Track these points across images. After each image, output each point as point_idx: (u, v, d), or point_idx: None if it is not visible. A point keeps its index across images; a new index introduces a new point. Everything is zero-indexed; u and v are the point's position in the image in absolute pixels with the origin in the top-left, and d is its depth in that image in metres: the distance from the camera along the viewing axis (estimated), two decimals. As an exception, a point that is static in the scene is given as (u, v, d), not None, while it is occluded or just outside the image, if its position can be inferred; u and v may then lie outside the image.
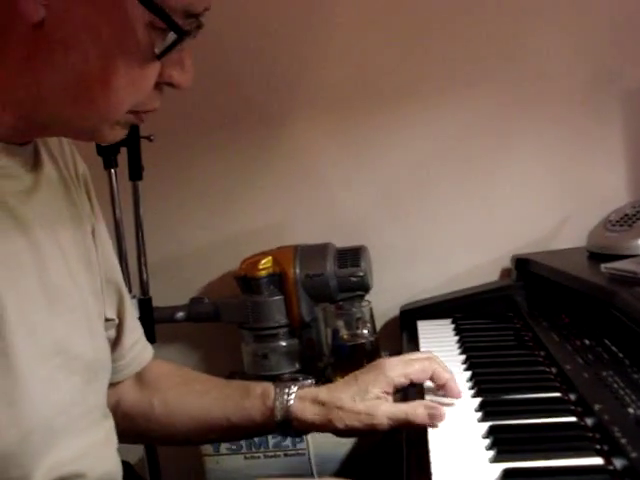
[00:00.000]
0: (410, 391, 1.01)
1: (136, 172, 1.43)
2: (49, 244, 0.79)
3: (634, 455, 0.72)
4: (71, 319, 0.80)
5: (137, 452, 1.55)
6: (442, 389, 0.97)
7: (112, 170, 1.41)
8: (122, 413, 1.00)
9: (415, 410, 0.90)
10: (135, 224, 1.48)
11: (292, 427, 0.95)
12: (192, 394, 1.01)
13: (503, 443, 0.82)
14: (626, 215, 1.44)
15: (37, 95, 0.70)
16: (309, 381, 1.02)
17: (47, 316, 0.76)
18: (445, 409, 0.91)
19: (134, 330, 1.01)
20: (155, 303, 1.52)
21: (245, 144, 1.66)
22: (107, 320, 0.93)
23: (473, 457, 0.80)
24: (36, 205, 0.77)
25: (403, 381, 0.95)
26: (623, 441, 0.76)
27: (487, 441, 0.83)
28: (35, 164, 0.80)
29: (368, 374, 0.96)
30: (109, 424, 0.90)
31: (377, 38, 1.62)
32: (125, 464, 1.02)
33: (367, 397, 0.93)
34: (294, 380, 1.04)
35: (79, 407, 0.80)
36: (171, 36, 0.69)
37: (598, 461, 0.77)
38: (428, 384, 1.00)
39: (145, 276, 1.50)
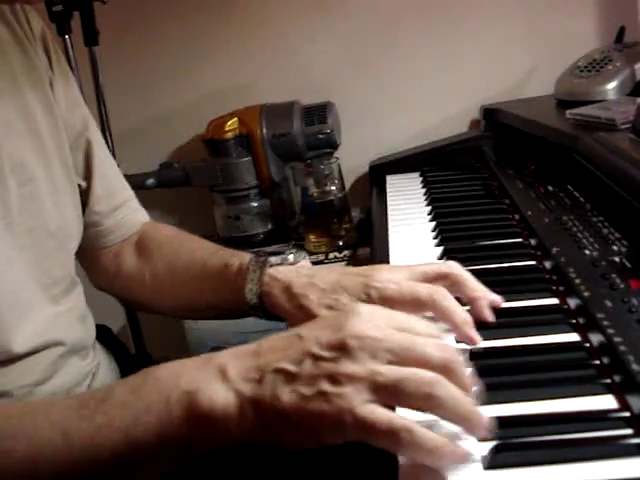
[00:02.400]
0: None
1: (91, 37, 1.38)
2: (5, 114, 0.77)
3: (586, 294, 0.74)
4: (28, 191, 0.79)
5: (119, 316, 1.59)
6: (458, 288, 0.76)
7: (66, 36, 1.36)
8: (120, 283, 0.97)
9: None
10: (95, 92, 1.44)
11: (265, 309, 0.83)
12: (177, 272, 0.93)
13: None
14: (594, 60, 1.42)
15: None
16: (291, 257, 0.86)
17: None
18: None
19: (115, 194, 0.96)
20: (123, 171, 1.50)
21: (207, 3, 1.61)
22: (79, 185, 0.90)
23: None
24: None
25: (393, 289, 0.74)
26: (577, 281, 0.78)
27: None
28: None
29: (352, 276, 0.78)
30: (78, 291, 0.90)
31: None
32: (104, 329, 1.04)
33: (336, 306, 0.75)
34: (275, 254, 0.88)
35: (41, 279, 0.80)
36: None
37: (554, 301, 0.79)
38: None
39: (111, 144, 1.48)
